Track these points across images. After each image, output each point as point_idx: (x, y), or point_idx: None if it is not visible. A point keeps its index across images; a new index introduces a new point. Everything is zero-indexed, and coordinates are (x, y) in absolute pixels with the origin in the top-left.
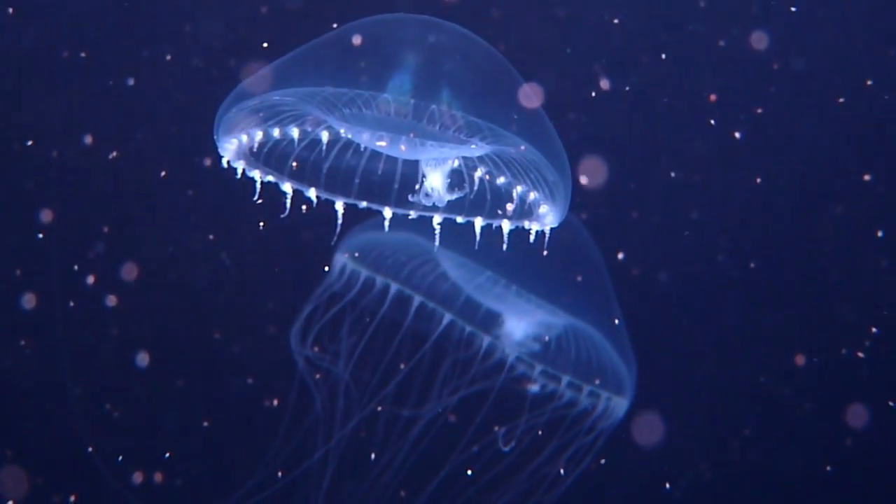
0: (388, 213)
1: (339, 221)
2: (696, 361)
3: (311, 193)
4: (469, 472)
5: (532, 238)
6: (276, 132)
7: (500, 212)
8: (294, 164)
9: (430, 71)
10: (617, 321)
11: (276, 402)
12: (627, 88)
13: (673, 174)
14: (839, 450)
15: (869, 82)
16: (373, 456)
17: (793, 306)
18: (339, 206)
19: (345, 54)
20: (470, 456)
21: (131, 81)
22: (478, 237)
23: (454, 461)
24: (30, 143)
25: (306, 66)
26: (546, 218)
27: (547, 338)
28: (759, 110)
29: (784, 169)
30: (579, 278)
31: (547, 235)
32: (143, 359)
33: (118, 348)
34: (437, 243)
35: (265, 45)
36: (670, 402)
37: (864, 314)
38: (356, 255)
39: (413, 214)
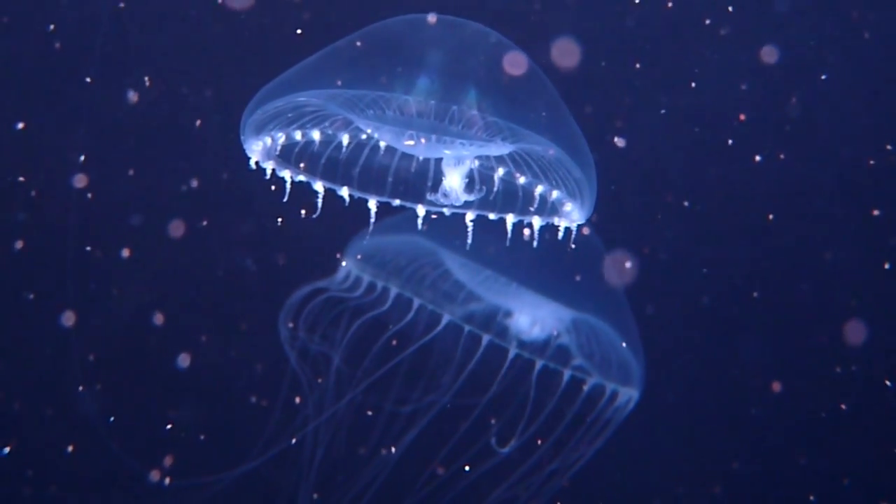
0: (421, 210)
1: (373, 220)
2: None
3: (344, 192)
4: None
5: (559, 235)
6: (301, 133)
7: (531, 208)
8: (323, 163)
9: (455, 70)
10: (625, 315)
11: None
12: (663, 112)
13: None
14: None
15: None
16: (371, 451)
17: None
18: (372, 204)
19: (369, 55)
20: (477, 448)
21: (147, 83)
22: (509, 235)
23: (465, 453)
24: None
25: (331, 67)
26: (572, 215)
27: (556, 332)
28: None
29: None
30: (585, 274)
31: (573, 232)
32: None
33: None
34: (469, 241)
35: (298, 31)
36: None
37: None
38: (360, 257)
39: (446, 212)
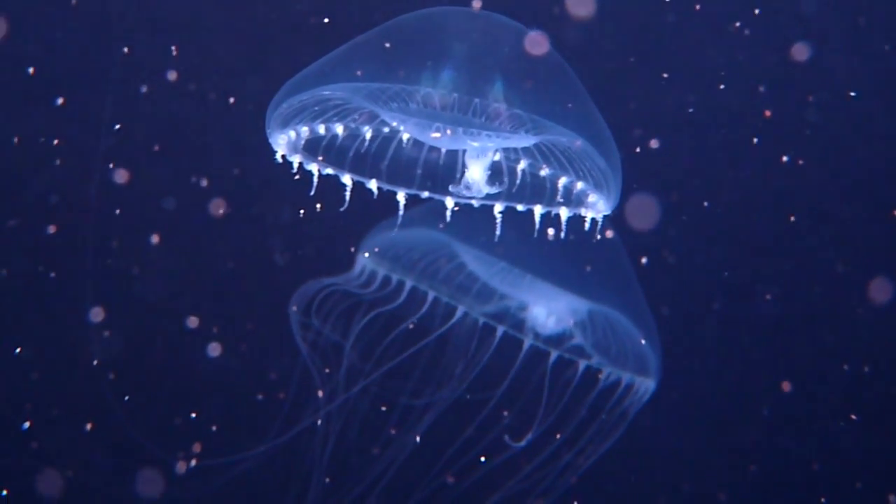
0: (450, 203)
1: (401, 212)
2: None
3: (372, 185)
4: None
5: (585, 226)
6: (326, 126)
7: (558, 199)
8: (351, 156)
9: (480, 62)
10: (641, 305)
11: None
12: (691, 110)
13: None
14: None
15: None
16: (385, 442)
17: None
18: (401, 196)
19: (393, 48)
20: (491, 441)
21: (172, 76)
22: (536, 226)
23: (479, 446)
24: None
25: (356, 60)
26: (597, 206)
27: (572, 322)
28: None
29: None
30: (601, 265)
31: (599, 223)
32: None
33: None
34: (496, 233)
35: (326, 20)
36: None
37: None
38: (374, 252)
39: (475, 204)
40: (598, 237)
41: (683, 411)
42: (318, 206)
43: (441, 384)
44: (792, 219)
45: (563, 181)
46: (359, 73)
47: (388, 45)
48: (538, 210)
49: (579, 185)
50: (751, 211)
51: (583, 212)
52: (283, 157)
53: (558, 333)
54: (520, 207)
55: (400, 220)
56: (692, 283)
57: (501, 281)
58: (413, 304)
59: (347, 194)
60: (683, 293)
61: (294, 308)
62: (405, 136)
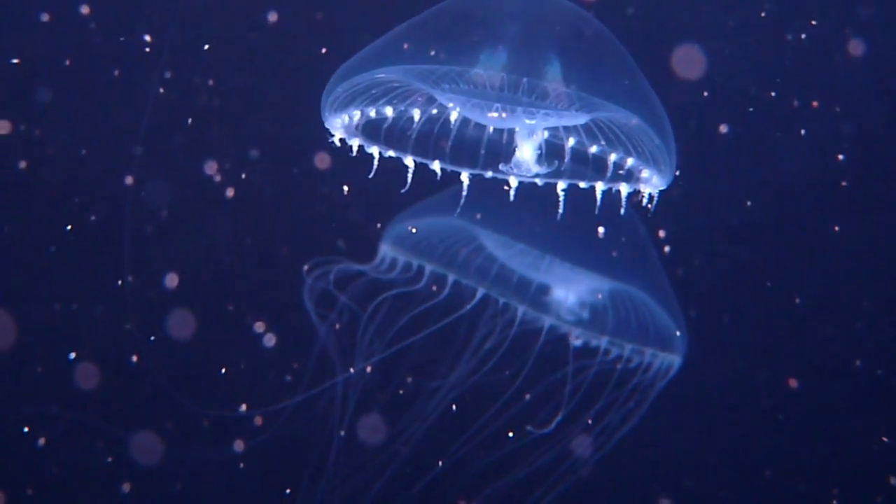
0: (513, 181)
1: (465, 193)
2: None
3: (435, 166)
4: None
5: (644, 201)
6: (382, 109)
7: (613, 175)
8: (413, 137)
9: (534, 42)
10: (664, 284)
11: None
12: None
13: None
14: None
15: None
16: (401, 426)
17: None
18: (465, 177)
19: (446, 30)
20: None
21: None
22: (598, 202)
23: (496, 429)
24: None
25: (409, 43)
26: (652, 181)
27: (593, 301)
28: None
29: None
30: (623, 245)
31: (655, 198)
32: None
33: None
34: (560, 211)
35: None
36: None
37: None
38: (396, 240)
39: (539, 182)
40: (624, 217)
41: (687, 406)
42: (345, 188)
43: (461, 366)
44: (837, 228)
45: (613, 157)
46: (412, 55)
47: (440, 26)
48: (599, 187)
49: (629, 160)
50: (769, 204)
51: (641, 187)
52: (342, 140)
53: (579, 313)
54: (582, 185)
55: (420, 208)
56: (706, 276)
57: (521, 262)
58: (433, 288)
59: (409, 176)
60: (699, 286)
61: (317, 296)
62: (453, 116)
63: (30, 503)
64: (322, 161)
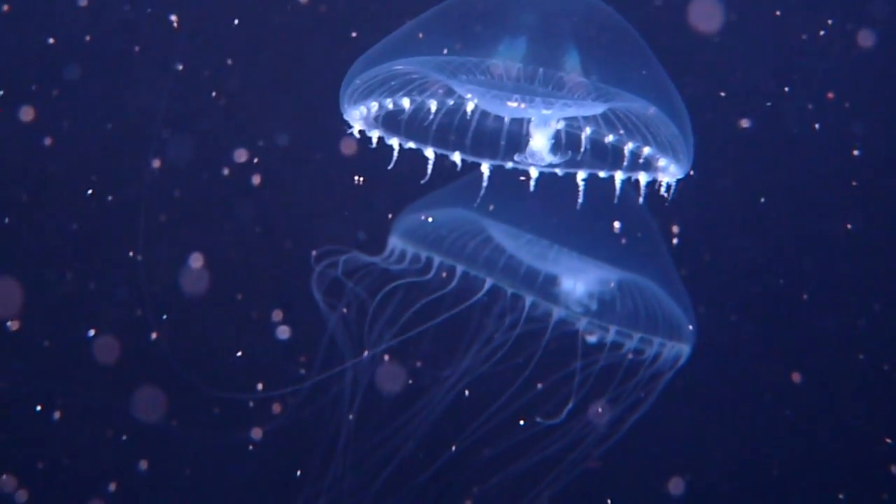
0: (534, 172)
1: (485, 184)
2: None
3: (456, 158)
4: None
5: (663, 190)
6: (400, 101)
7: (630, 164)
8: (434, 129)
9: (553, 32)
10: (671, 273)
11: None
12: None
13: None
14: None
15: None
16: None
17: None
18: (485, 167)
19: (463, 21)
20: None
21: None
22: (617, 191)
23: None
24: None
25: (426, 35)
26: (669, 170)
27: (606, 290)
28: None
29: None
30: (630, 234)
31: (672, 187)
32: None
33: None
34: (580, 200)
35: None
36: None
37: None
38: (404, 233)
39: (559, 172)
40: (628, 205)
41: (691, 400)
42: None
43: (470, 356)
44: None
45: (630, 146)
46: (430, 46)
47: (457, 17)
48: (619, 176)
49: (647, 149)
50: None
51: (659, 177)
52: (361, 132)
53: (587, 303)
54: (601, 174)
55: (427, 200)
56: (717, 271)
57: (528, 252)
58: (441, 279)
59: (430, 168)
60: (709, 280)
61: (321, 284)
62: (469, 107)
63: (42, 479)
64: (349, 147)
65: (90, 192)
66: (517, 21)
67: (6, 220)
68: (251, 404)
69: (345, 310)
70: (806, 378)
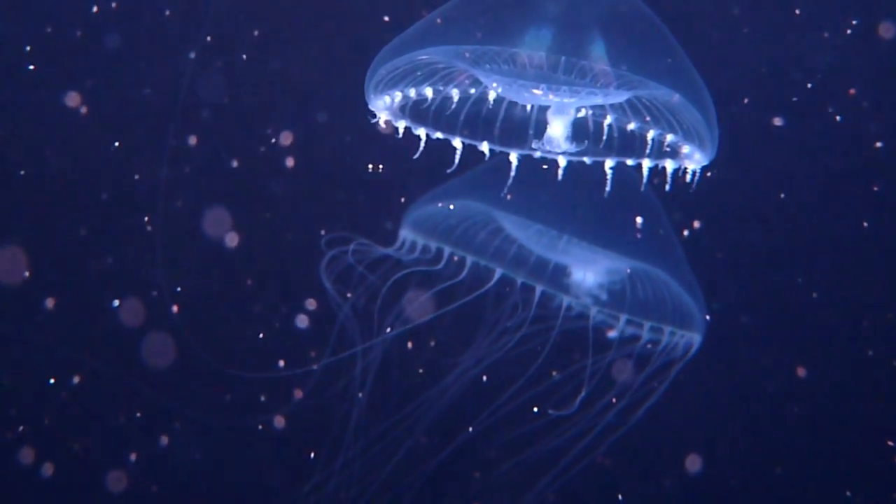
0: (562, 161)
1: (513, 173)
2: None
3: (484, 147)
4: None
5: (688, 177)
6: (423, 91)
7: (666, 149)
8: (461, 118)
9: (578, 21)
10: (681, 262)
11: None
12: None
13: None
14: None
15: None
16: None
17: None
18: (513, 157)
19: (487, 10)
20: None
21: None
22: (644, 179)
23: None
24: None
25: (451, 24)
26: (694, 157)
27: (617, 280)
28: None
29: None
30: (638, 223)
31: (697, 174)
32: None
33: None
34: (608, 189)
35: None
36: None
37: None
38: (414, 224)
39: (587, 161)
40: (638, 195)
41: (698, 394)
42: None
43: (481, 345)
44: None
45: (652, 134)
46: (455, 35)
47: (481, 6)
48: (646, 164)
49: (670, 137)
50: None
51: (684, 164)
52: (387, 122)
53: (598, 293)
54: (629, 162)
55: (437, 192)
56: (727, 265)
57: (538, 243)
58: (452, 269)
59: (457, 157)
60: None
61: (336, 277)
62: (491, 96)
63: (59, 453)
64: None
65: (127, 167)
66: (543, 10)
67: (32, 194)
68: (267, 381)
69: (357, 298)
70: (815, 374)
